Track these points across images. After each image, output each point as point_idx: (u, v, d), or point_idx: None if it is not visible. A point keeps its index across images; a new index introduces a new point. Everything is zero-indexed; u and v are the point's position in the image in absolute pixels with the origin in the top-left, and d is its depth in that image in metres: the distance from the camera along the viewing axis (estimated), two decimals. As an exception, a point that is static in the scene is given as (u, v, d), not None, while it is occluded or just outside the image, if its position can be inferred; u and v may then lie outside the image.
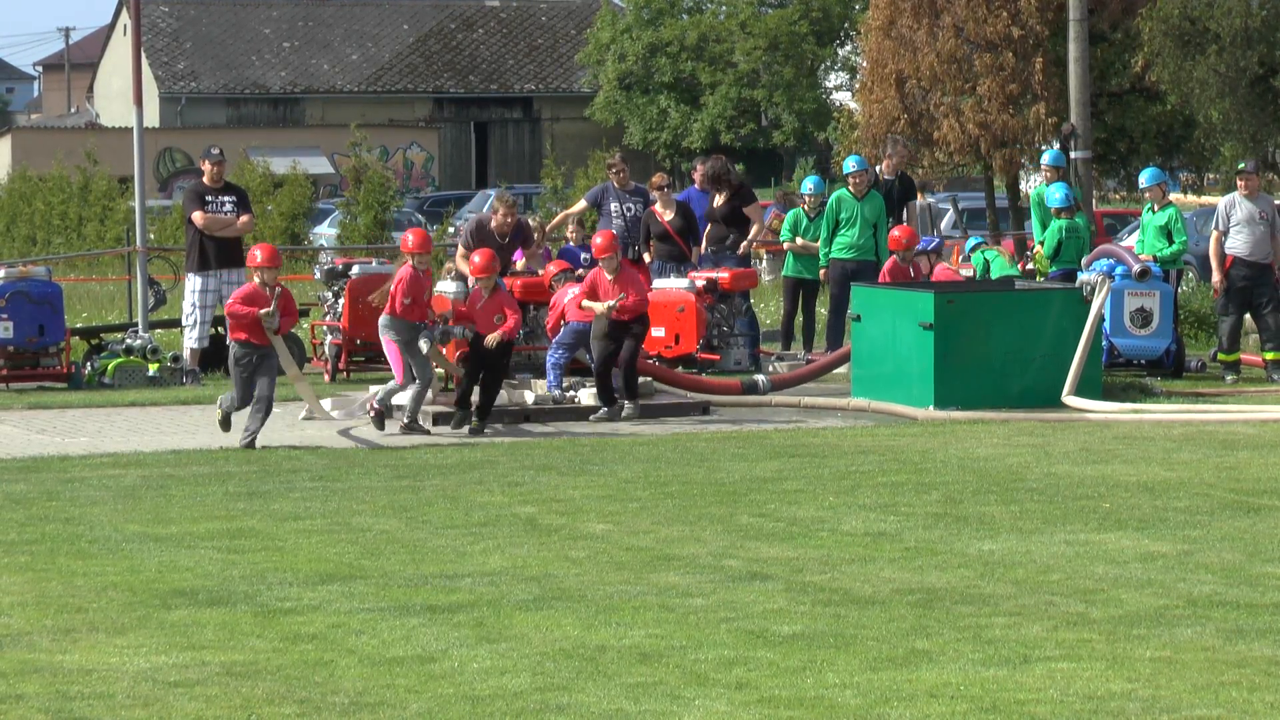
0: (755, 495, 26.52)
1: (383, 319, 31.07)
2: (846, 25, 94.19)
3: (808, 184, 45.17)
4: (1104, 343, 35.73)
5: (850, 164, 42.97)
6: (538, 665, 15.99)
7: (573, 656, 16.33)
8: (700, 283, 40.47)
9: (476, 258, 29.08)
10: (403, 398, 31.24)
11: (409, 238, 30.38)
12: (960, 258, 42.70)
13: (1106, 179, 46.48)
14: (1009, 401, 34.81)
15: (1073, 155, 43.02)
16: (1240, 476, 27.30)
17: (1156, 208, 39.56)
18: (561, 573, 20.54)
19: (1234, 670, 15.81)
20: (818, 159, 70.77)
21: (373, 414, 31.40)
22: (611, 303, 24.63)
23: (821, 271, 42.94)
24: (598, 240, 27.90)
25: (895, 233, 31.08)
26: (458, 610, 18.54)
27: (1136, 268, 37.04)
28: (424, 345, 31.86)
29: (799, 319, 46.03)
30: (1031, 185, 57.53)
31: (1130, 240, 39.71)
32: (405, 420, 30.77)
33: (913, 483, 26.91)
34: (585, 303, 26.15)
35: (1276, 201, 43.99)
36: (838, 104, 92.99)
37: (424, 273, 32.80)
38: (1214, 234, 37.16)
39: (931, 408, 34.54)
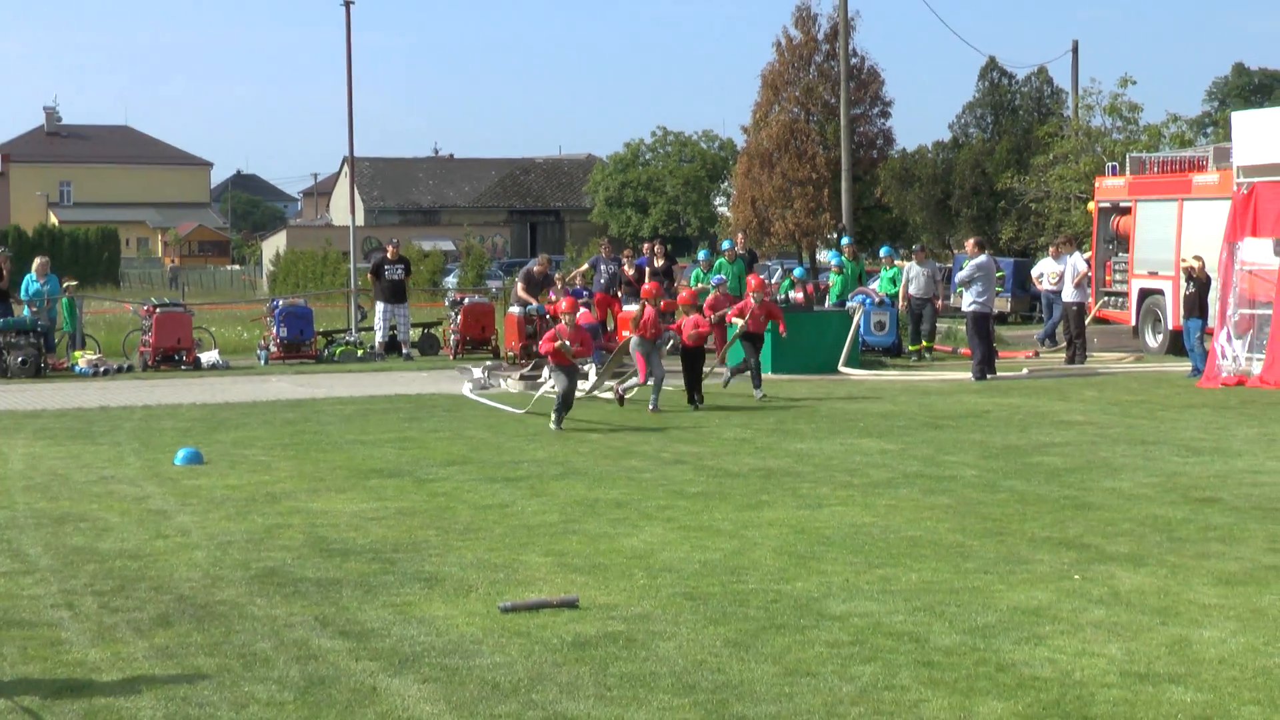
0: (680, 423, 25.58)
1: (635, 340, 27.31)
2: (725, 171, 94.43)
3: (701, 255, 45.29)
4: (860, 338, 35.35)
5: (725, 245, 43.36)
6: (563, 509, 17.10)
7: (581, 504, 17.38)
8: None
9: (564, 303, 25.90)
10: (632, 382, 27.87)
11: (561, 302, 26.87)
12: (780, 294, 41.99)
13: (863, 253, 47.40)
14: (812, 370, 33.87)
15: (844, 242, 42.93)
16: (932, 409, 26.69)
17: (887, 268, 39.56)
18: (575, 460, 20.93)
19: (929, 511, 16.63)
20: (709, 242, 71.51)
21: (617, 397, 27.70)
22: (565, 343, 23.28)
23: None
24: (562, 304, 25.46)
25: (751, 281, 30.08)
26: (519, 480, 19.16)
27: (877, 299, 37.76)
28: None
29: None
30: (822, 258, 65.22)
31: (874, 285, 39.61)
32: (654, 401, 26.82)
33: (761, 412, 26.32)
34: (553, 344, 23.52)
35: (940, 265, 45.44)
36: (720, 213, 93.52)
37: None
38: (904, 281, 37.26)
39: (771, 373, 33.43)
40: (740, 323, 28.04)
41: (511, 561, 14.05)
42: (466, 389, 30.68)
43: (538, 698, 9.79)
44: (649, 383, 27.06)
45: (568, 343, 23.73)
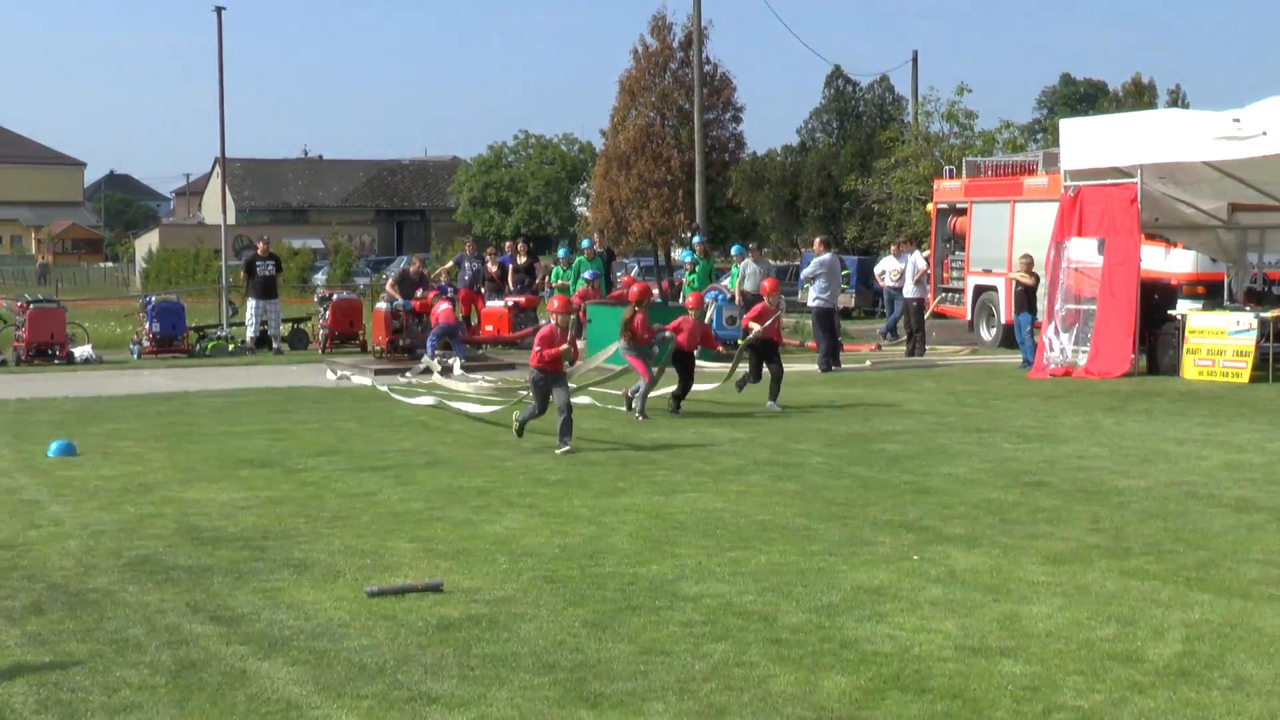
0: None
1: (624, 345, 24.42)
2: (584, 173, 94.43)
3: (561, 253, 45.25)
4: (714, 330, 35.71)
5: (584, 244, 43.51)
6: (428, 497, 17.08)
7: (445, 492, 17.38)
8: (511, 302, 40.22)
9: (555, 303, 22.94)
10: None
11: (635, 287, 25.13)
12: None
13: (715, 251, 47.41)
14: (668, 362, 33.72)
15: (696, 240, 42.88)
16: (779, 399, 25.75)
17: (738, 265, 39.43)
18: (440, 449, 20.86)
19: (777, 496, 16.72)
20: (569, 240, 71.33)
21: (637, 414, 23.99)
22: (568, 348, 20.32)
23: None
24: (555, 302, 22.48)
25: (765, 284, 26.76)
26: (386, 469, 19.08)
27: (728, 295, 37.85)
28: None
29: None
30: (677, 256, 64.88)
31: (724, 281, 39.54)
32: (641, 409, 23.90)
33: (618, 402, 25.43)
34: (554, 350, 20.18)
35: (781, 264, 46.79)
36: (579, 213, 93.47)
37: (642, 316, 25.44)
38: (740, 278, 37.54)
39: (624, 364, 33.57)
40: (757, 328, 25.26)
41: (378, 548, 13.99)
42: (384, 386, 29.67)
43: (403, 678, 9.78)
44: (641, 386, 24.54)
45: (570, 348, 21.09)
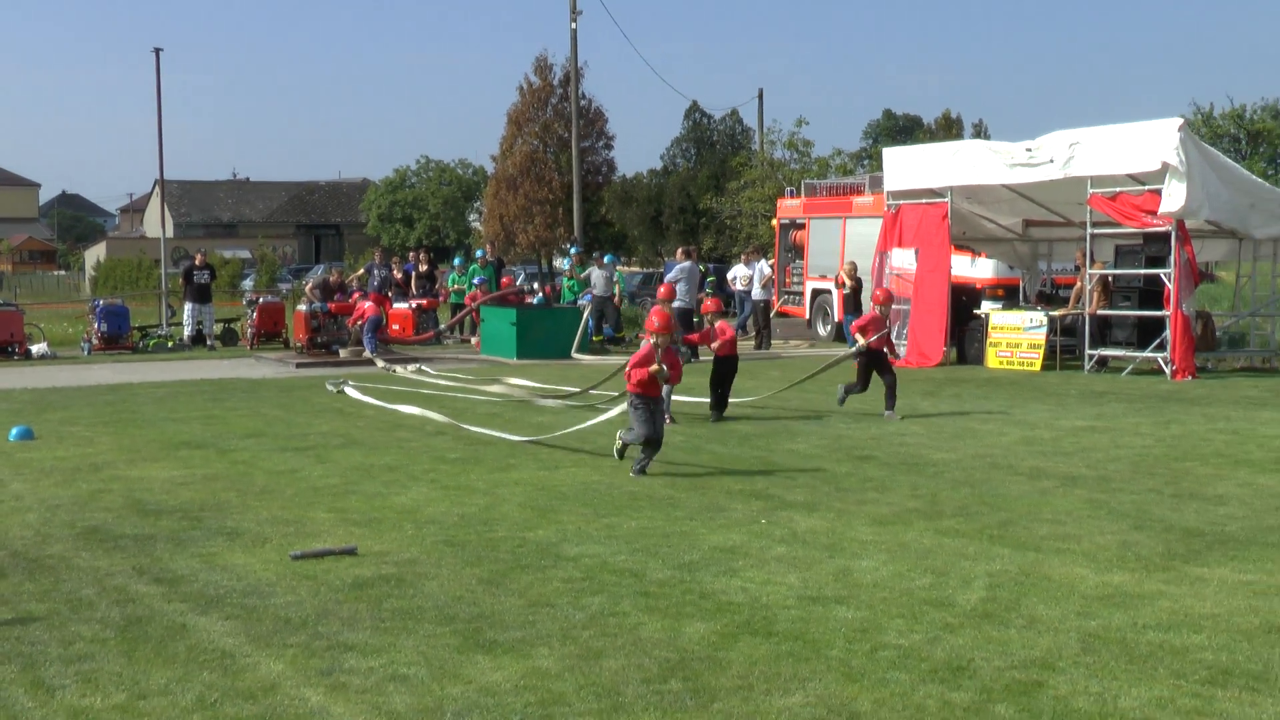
0: (440, 401, 25.56)
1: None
2: (478, 192, 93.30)
3: (456, 261, 45.20)
4: (588, 330, 35.39)
5: (478, 254, 43.38)
6: (343, 474, 16.92)
7: (359, 469, 17.20)
8: (415, 305, 40.01)
9: (655, 320, 17.96)
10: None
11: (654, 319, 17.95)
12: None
13: (591, 259, 47.55)
14: (550, 355, 33.79)
15: (573, 251, 42.67)
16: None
17: (623, 267, 39.39)
18: (354, 432, 20.62)
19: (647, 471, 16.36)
20: (464, 251, 71.01)
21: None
22: (662, 367, 16.09)
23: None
24: (655, 320, 17.27)
25: (878, 293, 22.86)
26: (307, 449, 18.85)
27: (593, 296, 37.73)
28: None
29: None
30: (559, 264, 63.45)
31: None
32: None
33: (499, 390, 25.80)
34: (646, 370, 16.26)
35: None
36: (474, 227, 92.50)
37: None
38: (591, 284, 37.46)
39: (516, 358, 33.52)
40: (862, 341, 21.57)
41: (300, 517, 13.85)
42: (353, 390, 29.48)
43: (323, 630, 9.70)
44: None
45: (664, 367, 16.54)
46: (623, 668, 8.79)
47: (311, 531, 13.18)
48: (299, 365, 32.97)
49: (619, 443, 17.27)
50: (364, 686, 8.49)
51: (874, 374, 22.24)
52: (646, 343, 16.99)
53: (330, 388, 26.52)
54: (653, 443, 16.31)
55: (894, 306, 32.04)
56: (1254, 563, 11.57)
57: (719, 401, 21.92)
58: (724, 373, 22.03)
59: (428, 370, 30.44)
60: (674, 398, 21.67)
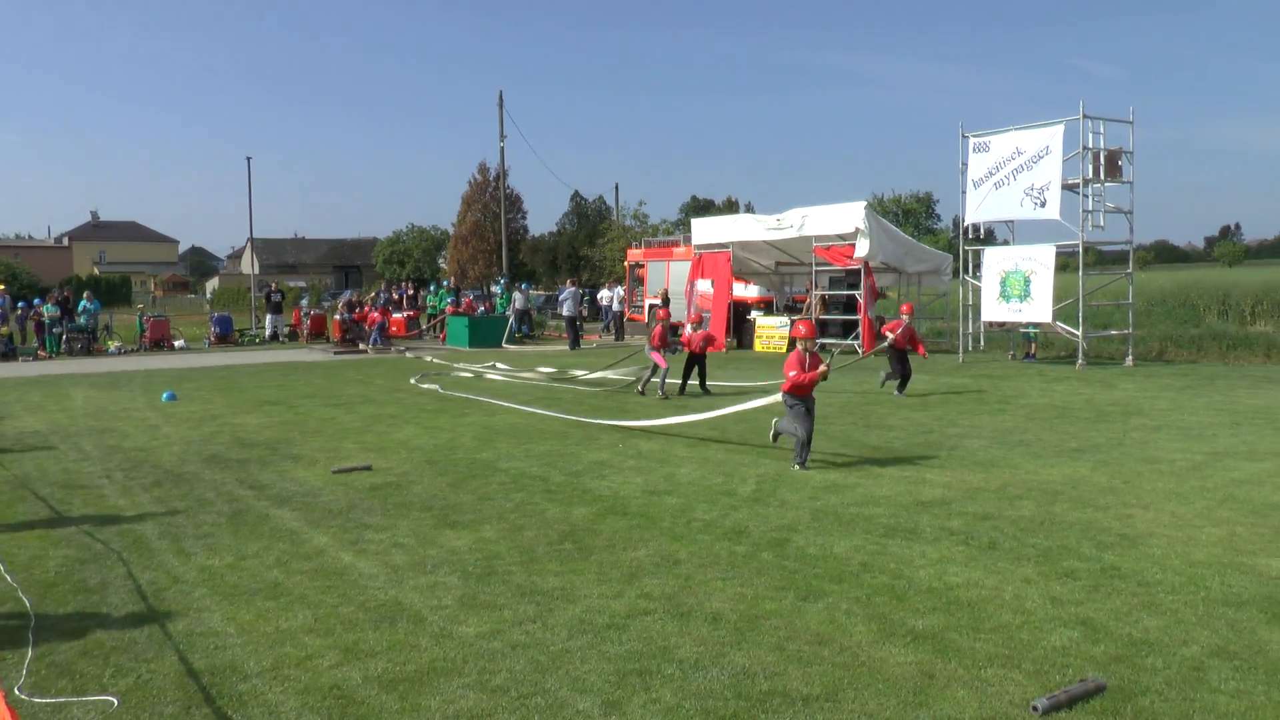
0: (413, 373, 25.37)
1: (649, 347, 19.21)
2: (444, 245, 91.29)
3: (431, 288, 44.31)
4: (512, 329, 35.13)
5: (444, 283, 43.04)
6: (364, 420, 16.56)
7: (373, 418, 16.76)
8: (405, 315, 39.01)
9: (802, 328, 13.26)
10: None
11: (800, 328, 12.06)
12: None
13: (515, 287, 46.71)
14: (492, 344, 33.27)
15: (502, 280, 42.15)
16: (548, 360, 26.00)
17: (509, 292, 38.80)
18: (371, 394, 20.09)
19: (551, 417, 16.15)
20: (435, 281, 70.84)
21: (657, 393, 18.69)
22: (825, 369, 11.78)
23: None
24: (801, 328, 11.81)
25: (904, 307, 18.59)
26: (341, 405, 18.37)
27: (514, 310, 37.22)
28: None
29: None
30: (494, 289, 59.04)
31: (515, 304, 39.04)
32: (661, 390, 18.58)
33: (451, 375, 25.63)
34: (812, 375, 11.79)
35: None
36: (441, 266, 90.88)
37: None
38: (512, 300, 36.96)
39: (469, 346, 33.11)
40: (892, 336, 18.17)
41: (337, 447, 13.61)
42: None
43: (353, 516, 9.59)
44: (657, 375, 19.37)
45: (827, 370, 11.81)
46: (535, 536, 8.78)
47: (344, 455, 12.99)
48: (336, 353, 32.13)
49: (773, 430, 12.60)
50: (377, 550, 8.44)
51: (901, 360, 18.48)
52: (796, 350, 11.85)
53: (421, 384, 21.66)
54: (807, 442, 11.65)
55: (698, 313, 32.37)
56: (910, 466, 11.69)
57: (700, 381, 19.16)
58: (697, 363, 19.11)
59: (499, 367, 25.61)
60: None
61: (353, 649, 6.28)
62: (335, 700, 5.59)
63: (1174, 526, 8.82)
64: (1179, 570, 7.59)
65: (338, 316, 37.20)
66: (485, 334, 34.60)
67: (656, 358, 19.24)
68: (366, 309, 37.46)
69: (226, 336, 38.62)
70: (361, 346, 33.93)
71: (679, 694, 5.54)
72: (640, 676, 5.77)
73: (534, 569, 7.82)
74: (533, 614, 6.80)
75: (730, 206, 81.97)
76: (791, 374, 11.60)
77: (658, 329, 19.50)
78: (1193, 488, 10.30)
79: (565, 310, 34.02)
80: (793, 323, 10.75)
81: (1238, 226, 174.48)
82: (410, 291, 44.55)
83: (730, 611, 6.77)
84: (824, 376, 11.73)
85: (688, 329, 19.38)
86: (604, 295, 42.13)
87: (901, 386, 18.53)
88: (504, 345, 34.44)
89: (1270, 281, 40.36)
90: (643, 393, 19.05)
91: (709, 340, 19.27)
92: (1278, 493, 10.03)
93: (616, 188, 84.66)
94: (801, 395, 11.79)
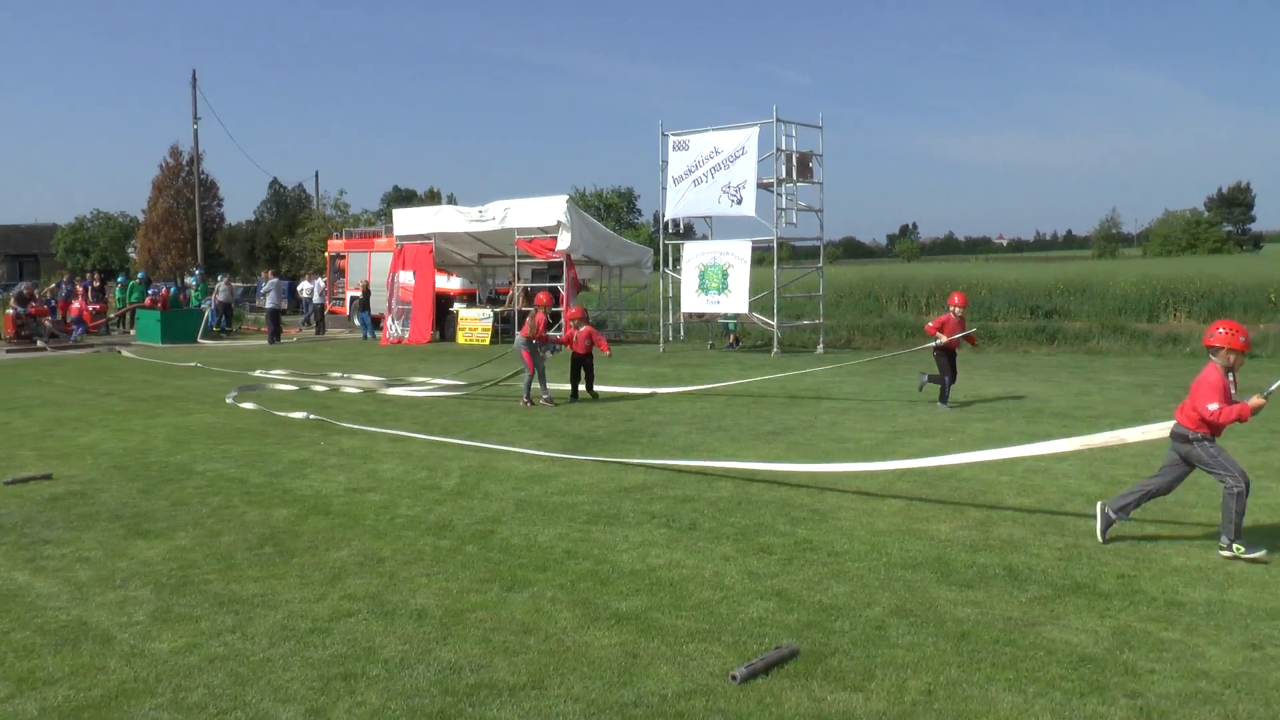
0: (106, 368, 23.39)
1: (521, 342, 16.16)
2: (134, 233, 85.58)
3: (120, 279, 41.65)
4: (209, 324, 33.67)
5: (139, 275, 40.33)
6: (42, 424, 15.33)
7: (54, 421, 15.58)
8: (92, 308, 36.67)
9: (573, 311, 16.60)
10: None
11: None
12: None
13: (209, 279, 44.47)
14: (187, 340, 31.65)
15: (197, 272, 40.34)
16: (247, 357, 25.48)
17: (207, 283, 37.34)
18: (50, 396, 18.66)
19: (242, 415, 15.55)
20: (127, 272, 66.81)
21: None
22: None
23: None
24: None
25: (955, 297, 15.10)
26: (14, 408, 16.94)
27: (215, 303, 35.64)
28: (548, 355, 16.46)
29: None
30: (188, 280, 53.41)
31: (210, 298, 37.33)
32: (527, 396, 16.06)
33: (162, 359, 23.89)
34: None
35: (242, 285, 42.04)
36: (131, 256, 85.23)
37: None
38: (214, 291, 35.43)
39: (161, 342, 31.22)
40: (943, 337, 15.00)
41: (11, 455, 12.52)
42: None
43: (29, 532, 8.86)
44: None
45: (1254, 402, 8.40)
46: (234, 541, 8.44)
47: (20, 464, 11.99)
48: (9, 352, 29.68)
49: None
50: (58, 567, 7.86)
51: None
52: (1215, 370, 7.99)
53: (240, 402, 17.01)
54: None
55: (402, 306, 31.94)
56: (613, 453, 11.86)
57: (588, 384, 16.77)
58: (583, 364, 16.75)
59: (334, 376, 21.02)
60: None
61: (28, 678, 5.82)
62: (8, 733, 5.21)
63: (860, 500, 9.43)
64: (864, 539, 8.10)
65: (10, 311, 34.26)
66: (179, 329, 33.00)
67: (526, 358, 16.35)
68: (59, 302, 34.96)
69: None
70: (40, 344, 31.49)
71: (385, 695, 5.46)
72: (345, 680, 5.64)
73: (232, 576, 7.51)
74: (231, 624, 6.53)
75: (433, 197, 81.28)
76: (1212, 408, 7.56)
77: (540, 317, 16.43)
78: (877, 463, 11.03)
79: (269, 303, 32.96)
80: (1241, 338, 7.61)
81: (915, 226, 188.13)
82: (96, 283, 41.80)
83: (435, 607, 6.73)
84: (1255, 410, 7.50)
85: (570, 325, 16.87)
86: (304, 287, 40.96)
87: (944, 395, 15.04)
88: (199, 340, 33.03)
89: (942, 275, 44.26)
90: (531, 402, 16.19)
91: (593, 339, 16.64)
92: (947, 465, 10.87)
93: (317, 176, 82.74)
94: (1216, 435, 7.71)
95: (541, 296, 16.83)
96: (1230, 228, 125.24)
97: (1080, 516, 8.72)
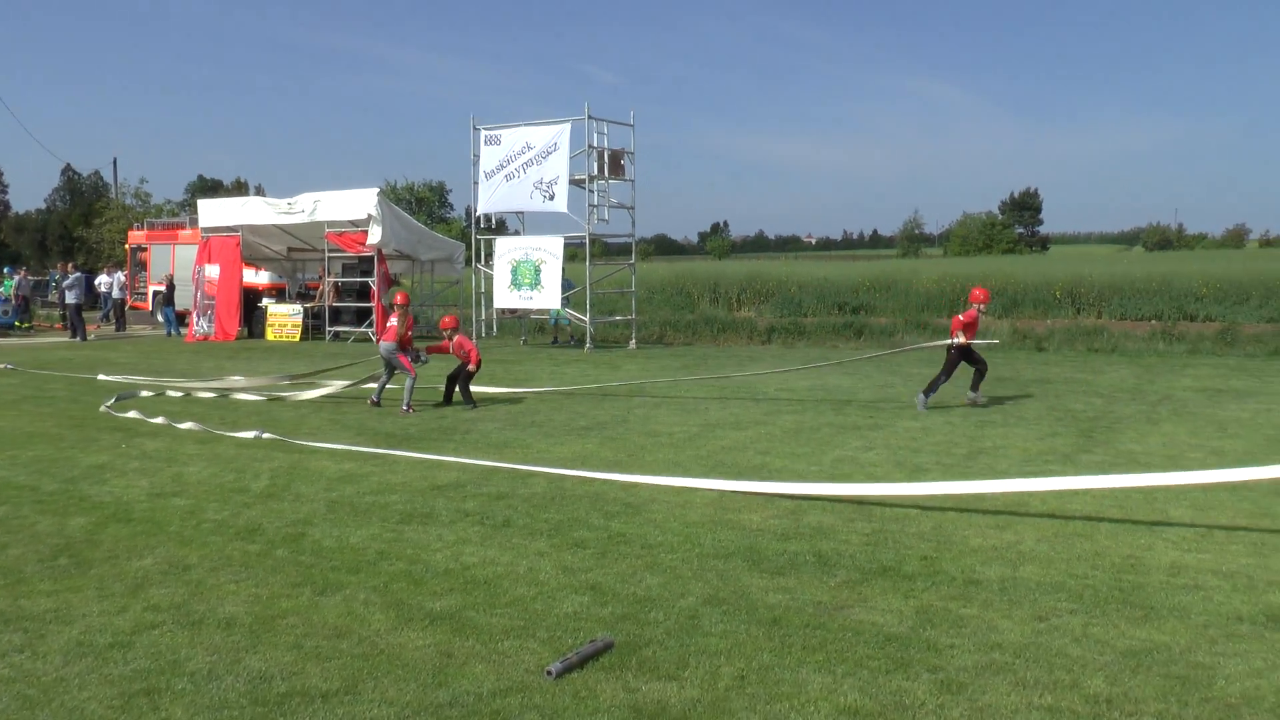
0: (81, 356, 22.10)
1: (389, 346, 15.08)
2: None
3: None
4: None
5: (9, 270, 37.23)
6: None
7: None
8: None
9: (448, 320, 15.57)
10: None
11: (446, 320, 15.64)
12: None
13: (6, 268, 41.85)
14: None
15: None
16: (43, 356, 24.17)
17: (9, 280, 35.19)
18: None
19: (40, 417, 14.63)
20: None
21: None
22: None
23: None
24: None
25: (977, 292, 14.51)
26: None
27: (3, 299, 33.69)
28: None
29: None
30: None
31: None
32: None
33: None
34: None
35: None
36: None
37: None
38: (15, 285, 33.42)
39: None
40: (962, 338, 14.37)
41: None
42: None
43: None
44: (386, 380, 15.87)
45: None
46: (23, 554, 7.96)
47: None
48: None
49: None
50: None
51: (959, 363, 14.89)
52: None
53: (119, 412, 15.11)
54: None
55: (207, 301, 30.88)
56: (425, 451, 11.71)
57: (464, 393, 15.51)
58: (460, 371, 15.53)
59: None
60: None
61: None
62: None
63: (673, 492, 9.55)
64: (677, 531, 8.19)
65: None
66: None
67: (406, 362, 15.33)
68: None
69: None
70: None
71: (191, 709, 5.25)
72: (148, 696, 5.41)
73: (21, 591, 7.09)
74: (20, 643, 6.15)
75: (240, 188, 78.88)
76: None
77: (409, 321, 15.75)
78: (689, 456, 11.21)
79: (72, 298, 31.49)
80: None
81: (725, 224, 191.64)
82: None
83: (245, 614, 6.53)
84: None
85: (445, 334, 15.82)
86: (103, 281, 39.19)
87: (931, 390, 14.60)
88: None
89: (752, 272, 45.38)
90: (379, 403, 15.48)
91: (465, 349, 15.59)
92: (758, 456, 11.15)
93: (115, 163, 77.92)
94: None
95: (400, 296, 15.75)
96: (1021, 230, 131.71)
97: (886, 507, 9.05)
